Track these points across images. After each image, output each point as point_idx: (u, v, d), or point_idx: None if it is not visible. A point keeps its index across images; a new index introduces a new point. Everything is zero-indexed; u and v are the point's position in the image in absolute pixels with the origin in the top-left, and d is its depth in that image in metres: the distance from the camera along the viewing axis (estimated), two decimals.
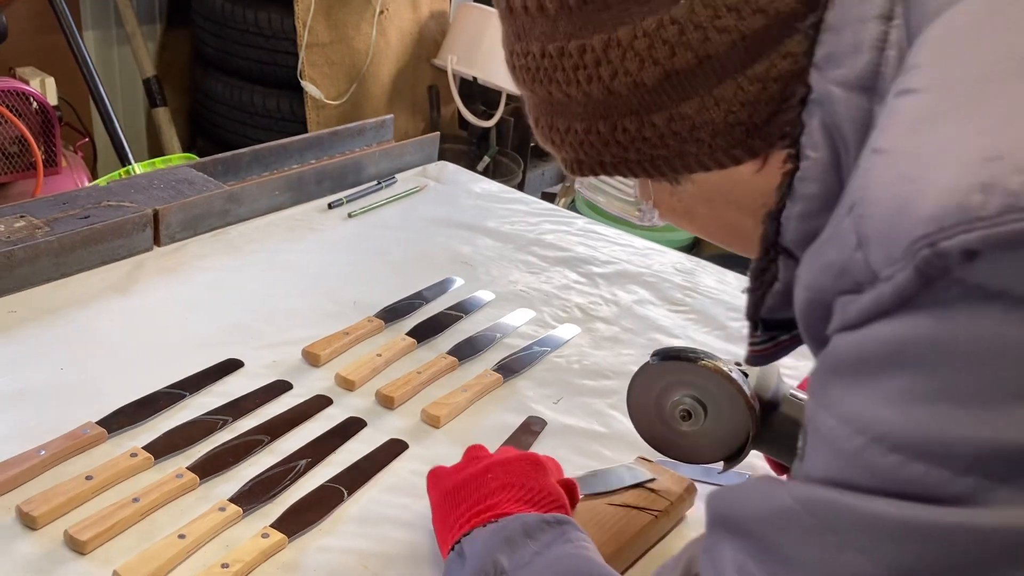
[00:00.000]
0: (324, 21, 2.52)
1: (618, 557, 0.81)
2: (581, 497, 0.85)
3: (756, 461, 0.94)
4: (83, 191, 1.31)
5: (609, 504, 0.87)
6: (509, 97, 2.80)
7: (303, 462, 0.91)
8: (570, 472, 0.86)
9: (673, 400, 0.86)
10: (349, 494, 0.88)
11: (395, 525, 0.86)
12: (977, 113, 0.44)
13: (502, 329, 1.18)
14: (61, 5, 2.21)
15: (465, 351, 1.12)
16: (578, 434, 1.01)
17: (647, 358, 0.88)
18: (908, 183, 0.43)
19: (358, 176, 1.53)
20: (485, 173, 2.32)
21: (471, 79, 2.77)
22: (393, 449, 0.95)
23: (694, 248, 2.62)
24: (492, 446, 0.95)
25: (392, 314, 1.18)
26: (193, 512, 0.83)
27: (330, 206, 1.45)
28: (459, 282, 1.29)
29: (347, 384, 1.04)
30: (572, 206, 2.78)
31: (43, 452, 0.85)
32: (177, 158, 2.27)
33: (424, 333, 1.15)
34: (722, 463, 0.88)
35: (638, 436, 0.90)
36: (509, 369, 1.10)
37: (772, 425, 0.86)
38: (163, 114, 2.70)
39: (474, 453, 0.83)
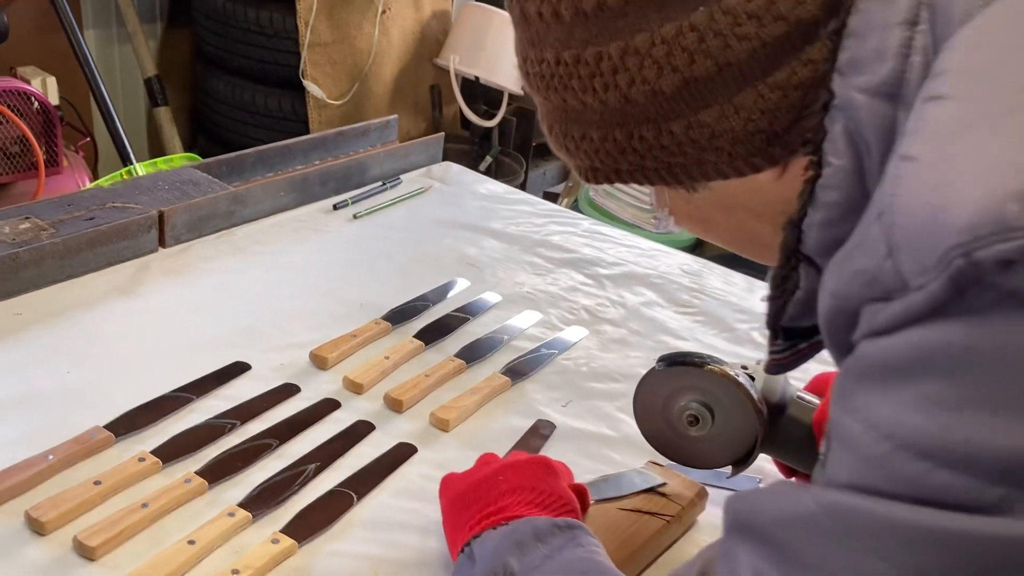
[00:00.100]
0: (326, 20, 2.52)
1: (630, 562, 0.81)
2: (592, 502, 0.84)
3: (765, 464, 0.94)
4: (88, 192, 1.31)
5: (620, 509, 0.86)
6: (511, 97, 2.80)
7: (312, 466, 0.91)
8: (580, 477, 0.86)
9: (680, 406, 0.86)
10: (358, 499, 0.88)
11: (405, 530, 0.85)
12: (1010, 122, 0.43)
13: (509, 331, 1.18)
14: (62, 4, 2.20)
15: (473, 353, 1.12)
16: (587, 438, 1.01)
17: (654, 363, 0.88)
18: (940, 192, 0.43)
19: (363, 177, 1.53)
20: (487, 173, 2.32)
21: (473, 79, 2.77)
22: (402, 453, 0.95)
23: (697, 248, 2.62)
24: (501, 450, 0.95)
25: (399, 316, 1.18)
26: (202, 517, 0.82)
27: (335, 207, 1.45)
28: (465, 284, 1.29)
29: (355, 387, 1.03)
30: (575, 206, 2.78)
31: (51, 457, 0.85)
32: (179, 158, 2.26)
33: (432, 335, 1.15)
34: (731, 467, 0.88)
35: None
36: (517, 372, 1.10)
37: (780, 428, 0.86)
38: (164, 113, 2.69)
39: (486, 459, 0.83)
